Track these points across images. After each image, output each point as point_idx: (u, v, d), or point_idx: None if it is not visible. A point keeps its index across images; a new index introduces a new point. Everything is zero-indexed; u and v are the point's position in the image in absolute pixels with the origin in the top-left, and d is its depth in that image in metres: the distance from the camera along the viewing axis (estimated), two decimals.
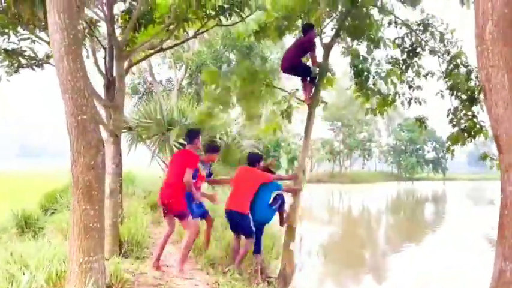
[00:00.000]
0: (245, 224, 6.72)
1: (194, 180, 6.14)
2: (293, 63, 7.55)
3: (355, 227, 20.28)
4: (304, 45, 7.49)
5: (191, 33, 9.17)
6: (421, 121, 8.95)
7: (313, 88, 7.82)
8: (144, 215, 10.21)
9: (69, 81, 3.73)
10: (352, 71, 8.46)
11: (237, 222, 6.84)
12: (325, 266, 11.67)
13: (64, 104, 3.80)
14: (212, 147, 7.10)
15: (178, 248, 7.33)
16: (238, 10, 7.99)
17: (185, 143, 9.33)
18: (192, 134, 6.44)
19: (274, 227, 10.05)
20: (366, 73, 8.33)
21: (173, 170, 6.11)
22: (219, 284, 5.84)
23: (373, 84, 8.43)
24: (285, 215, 7.49)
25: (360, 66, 8.25)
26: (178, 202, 5.87)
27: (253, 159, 7.19)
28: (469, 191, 48.36)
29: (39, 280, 3.91)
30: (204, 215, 7.00)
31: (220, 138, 11.15)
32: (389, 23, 8.29)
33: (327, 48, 8.06)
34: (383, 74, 8.35)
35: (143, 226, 8.24)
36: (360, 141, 60.22)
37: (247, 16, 9.32)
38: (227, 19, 8.14)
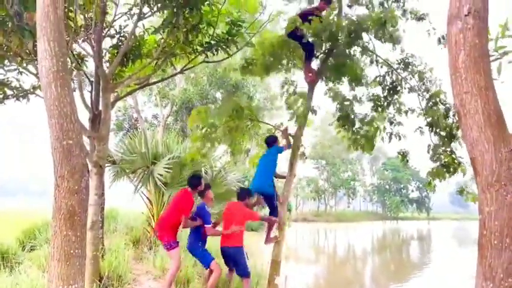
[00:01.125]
0: (239, 259, 6.75)
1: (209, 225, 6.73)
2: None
3: (341, 266, 20.02)
4: None
5: (179, 68, 9.37)
6: (403, 155, 9.10)
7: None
8: (126, 250, 9.96)
9: (56, 106, 3.76)
10: (338, 113, 8.67)
11: (231, 257, 6.86)
12: None
13: (50, 129, 3.80)
14: (204, 189, 7.09)
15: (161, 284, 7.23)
16: (224, 47, 8.21)
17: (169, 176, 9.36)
18: (193, 181, 6.80)
19: (258, 264, 9.92)
20: (352, 117, 8.58)
21: (169, 207, 6.82)
22: None
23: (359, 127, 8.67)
24: (271, 233, 7.49)
25: (345, 110, 8.50)
26: (166, 234, 6.46)
27: (243, 195, 7.20)
28: (453, 230, 48.56)
29: None
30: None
31: (205, 173, 11.09)
32: (371, 62, 8.57)
33: (311, 85, 8.26)
34: (367, 118, 8.59)
35: (124, 261, 8.03)
36: (345, 180, 60.56)
37: (234, 53, 9.60)
38: (214, 55, 8.36)
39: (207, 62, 9.28)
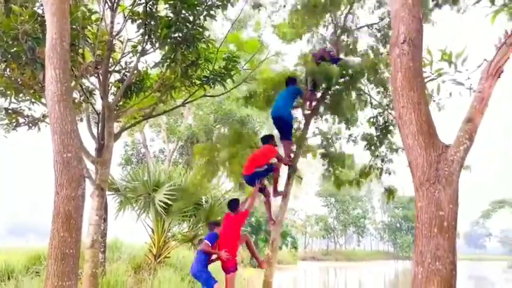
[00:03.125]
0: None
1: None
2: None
3: None
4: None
5: (182, 102, 10.07)
6: (390, 191, 9.43)
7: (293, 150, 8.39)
8: (127, 276, 10.31)
9: (59, 124, 4.37)
10: (319, 154, 9.19)
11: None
12: None
13: (53, 144, 4.39)
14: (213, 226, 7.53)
15: None
16: (220, 80, 8.90)
17: (170, 203, 9.84)
18: (233, 204, 7.33)
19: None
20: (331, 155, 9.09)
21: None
22: None
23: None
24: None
25: (325, 147, 9.07)
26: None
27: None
28: (469, 271, 47.23)
29: None
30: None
31: (206, 202, 11.55)
32: (365, 104, 9.04)
33: (307, 119, 8.79)
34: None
35: (123, 282, 8.40)
36: (354, 217, 59.99)
37: (232, 88, 10.29)
38: (211, 88, 9.04)
39: (207, 96, 9.98)
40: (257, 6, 10.11)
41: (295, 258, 39.62)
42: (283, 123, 7.81)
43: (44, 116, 7.77)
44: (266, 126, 26.80)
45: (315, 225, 55.85)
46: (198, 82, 8.90)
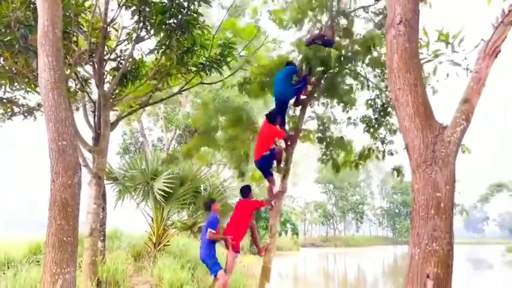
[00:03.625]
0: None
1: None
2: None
3: None
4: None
5: (178, 90, 10.00)
6: (398, 170, 9.45)
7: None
8: (127, 264, 10.34)
9: (53, 112, 4.33)
10: (316, 139, 9.18)
11: None
12: None
13: (47, 132, 4.36)
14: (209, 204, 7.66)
15: None
16: (217, 67, 8.83)
17: (171, 192, 9.87)
18: (245, 190, 7.54)
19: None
20: (327, 140, 9.10)
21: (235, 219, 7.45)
22: None
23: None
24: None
25: (322, 131, 9.06)
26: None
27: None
28: (467, 254, 47.58)
29: None
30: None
31: (204, 189, 11.56)
32: (362, 86, 9.04)
33: (303, 104, 8.74)
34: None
35: (123, 270, 8.43)
36: (353, 203, 60.28)
37: (229, 75, 10.22)
38: (207, 75, 8.97)
39: (204, 83, 9.92)
40: None
41: (297, 244, 39.87)
42: (286, 103, 7.92)
43: (39, 105, 7.72)
44: (263, 113, 26.60)
45: (314, 212, 56.09)
46: (194, 69, 8.83)
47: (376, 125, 9.12)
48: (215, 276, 7.22)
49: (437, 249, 3.08)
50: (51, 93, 4.38)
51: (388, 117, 9.09)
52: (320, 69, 8.39)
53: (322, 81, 8.67)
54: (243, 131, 9.02)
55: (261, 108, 23.89)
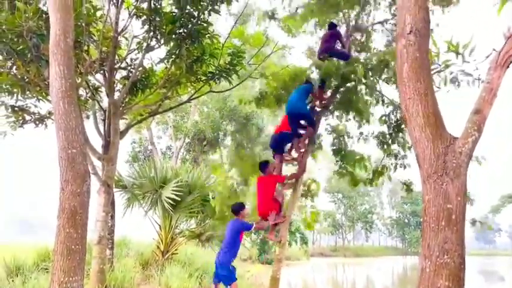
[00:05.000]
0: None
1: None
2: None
3: None
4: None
5: (187, 98, 10.05)
6: (407, 186, 9.38)
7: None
8: (135, 272, 10.33)
9: (63, 120, 4.36)
10: (332, 151, 9.22)
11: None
12: None
13: (57, 140, 4.39)
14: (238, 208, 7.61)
15: None
16: (226, 76, 8.86)
17: (179, 199, 9.88)
18: (263, 166, 7.55)
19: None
20: (343, 152, 9.11)
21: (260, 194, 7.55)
22: None
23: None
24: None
25: (338, 145, 9.08)
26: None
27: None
28: (478, 266, 46.84)
29: None
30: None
31: (212, 198, 11.55)
32: (377, 101, 9.01)
33: (318, 116, 8.71)
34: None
35: (131, 278, 8.42)
36: (362, 213, 59.79)
37: (239, 84, 10.24)
38: (216, 83, 9.01)
39: (213, 91, 9.96)
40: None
41: (307, 254, 39.58)
42: (301, 117, 7.85)
43: (50, 113, 7.79)
44: (270, 123, 26.76)
45: (323, 222, 55.67)
46: (203, 78, 8.87)
47: (389, 141, 9.08)
48: (229, 285, 7.16)
49: (448, 262, 3.02)
50: (61, 101, 4.41)
51: (401, 134, 9.05)
52: (334, 83, 8.42)
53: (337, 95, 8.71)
54: (249, 139, 9.04)
55: (268, 115, 23.96)
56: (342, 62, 8.21)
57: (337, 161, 9.30)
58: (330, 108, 8.86)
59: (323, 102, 8.47)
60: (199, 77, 8.83)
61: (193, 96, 9.70)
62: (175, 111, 21.10)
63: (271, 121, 24.10)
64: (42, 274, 8.42)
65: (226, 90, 11.19)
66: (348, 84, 8.41)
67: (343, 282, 29.42)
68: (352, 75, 7.95)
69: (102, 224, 7.24)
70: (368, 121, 9.04)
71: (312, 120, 7.92)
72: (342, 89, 8.56)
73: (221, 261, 7.03)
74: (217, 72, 8.74)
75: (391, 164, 9.09)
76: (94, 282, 6.84)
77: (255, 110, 20.79)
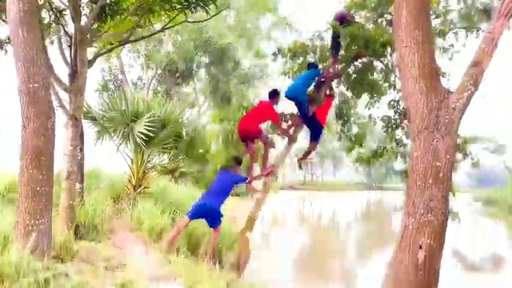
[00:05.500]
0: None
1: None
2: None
3: (326, 232, 20.58)
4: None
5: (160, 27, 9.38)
6: (406, 173, 9.44)
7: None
8: (106, 206, 10.21)
9: (22, 49, 3.89)
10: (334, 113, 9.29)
11: None
12: (296, 274, 11.75)
13: (17, 72, 3.94)
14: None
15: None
16: (203, 5, 8.23)
17: (151, 135, 9.64)
18: (272, 93, 7.79)
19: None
20: (345, 118, 9.21)
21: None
22: (170, 262, 6.04)
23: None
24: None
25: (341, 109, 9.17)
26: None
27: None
28: None
29: None
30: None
31: (186, 134, 11.30)
32: (389, 86, 8.97)
33: (321, 84, 8.48)
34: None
35: (102, 213, 8.29)
36: (331, 150, 61.28)
37: (215, 15, 9.60)
38: (192, 13, 8.40)
39: (188, 21, 9.34)
40: None
41: (276, 187, 40.74)
42: (298, 104, 7.90)
43: (9, 38, 7.10)
44: (247, 55, 25.90)
45: (294, 156, 56.77)
46: (178, 6, 8.22)
47: (394, 126, 9.01)
48: (214, 228, 7.25)
49: (431, 220, 2.99)
50: (20, 28, 3.91)
51: (406, 122, 9.05)
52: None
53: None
54: (225, 72, 8.79)
55: (244, 47, 23.13)
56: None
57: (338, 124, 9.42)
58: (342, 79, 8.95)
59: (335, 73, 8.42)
60: (173, 5, 8.17)
61: (167, 26, 9.06)
62: (148, 39, 20.02)
63: (247, 55, 23.39)
64: (10, 207, 8.14)
65: (203, 21, 10.55)
66: (364, 59, 8.44)
67: (310, 215, 30.74)
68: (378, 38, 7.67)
69: (70, 158, 6.91)
70: (382, 95, 9.09)
71: (305, 113, 7.90)
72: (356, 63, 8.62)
73: (213, 206, 7.07)
74: (193, 0, 8.10)
75: (392, 152, 9.15)
76: (63, 219, 6.66)
77: (231, 42, 20.02)
